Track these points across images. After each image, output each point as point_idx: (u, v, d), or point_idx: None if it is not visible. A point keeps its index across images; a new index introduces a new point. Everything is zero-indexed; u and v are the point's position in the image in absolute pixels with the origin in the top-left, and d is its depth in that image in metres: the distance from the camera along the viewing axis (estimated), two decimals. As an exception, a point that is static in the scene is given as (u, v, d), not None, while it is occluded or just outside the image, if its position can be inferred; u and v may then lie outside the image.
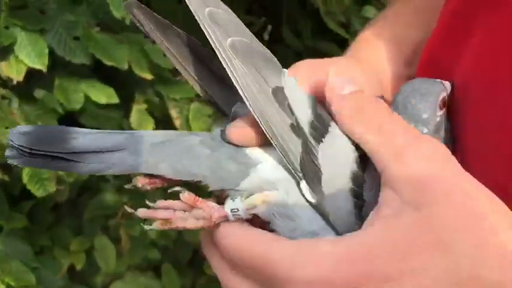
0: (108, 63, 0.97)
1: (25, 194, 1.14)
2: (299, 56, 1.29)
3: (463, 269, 0.34)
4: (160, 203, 0.40)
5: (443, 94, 0.44)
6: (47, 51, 0.95)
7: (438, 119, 0.43)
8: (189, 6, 0.40)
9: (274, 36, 1.33)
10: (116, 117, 1.09)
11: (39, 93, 1.07)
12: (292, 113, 0.39)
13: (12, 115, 1.01)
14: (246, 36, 0.40)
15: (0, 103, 1.03)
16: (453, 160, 0.37)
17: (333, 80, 0.41)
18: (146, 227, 0.41)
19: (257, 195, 0.39)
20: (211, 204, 0.39)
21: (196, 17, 0.39)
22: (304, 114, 0.39)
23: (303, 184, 0.38)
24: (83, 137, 0.40)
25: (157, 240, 1.26)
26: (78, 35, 0.98)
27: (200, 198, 0.39)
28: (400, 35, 0.54)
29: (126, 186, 0.42)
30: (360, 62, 0.51)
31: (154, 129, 1.08)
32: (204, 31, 0.39)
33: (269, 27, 1.35)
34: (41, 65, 0.95)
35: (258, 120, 0.38)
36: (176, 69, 0.44)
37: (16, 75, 0.97)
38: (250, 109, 0.38)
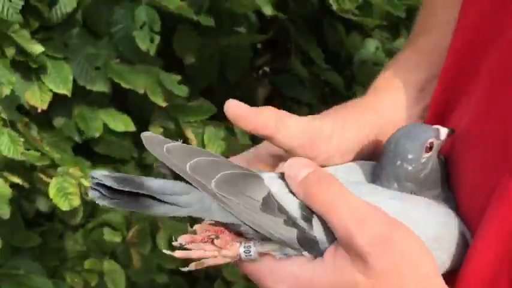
0: (126, 86, 1.04)
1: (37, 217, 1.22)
2: (305, 85, 1.37)
3: None
4: (193, 244, 0.47)
5: (431, 140, 0.50)
6: (71, 77, 1.03)
7: (423, 161, 0.50)
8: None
9: (282, 65, 1.40)
10: (130, 146, 1.16)
11: (58, 121, 1.14)
12: (283, 212, 0.46)
13: (36, 141, 1.08)
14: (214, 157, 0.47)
15: (24, 130, 1.09)
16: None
17: (289, 168, 0.48)
18: (183, 269, 0.47)
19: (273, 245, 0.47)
20: (231, 242, 0.47)
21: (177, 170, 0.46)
22: (293, 208, 0.47)
23: (305, 253, 0.47)
24: (152, 182, 0.45)
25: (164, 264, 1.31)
26: (99, 65, 1.05)
27: (230, 242, 0.47)
28: (410, 78, 0.59)
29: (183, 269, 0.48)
30: (368, 109, 0.57)
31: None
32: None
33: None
34: (66, 90, 1.03)
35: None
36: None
37: (41, 103, 1.04)
38: (250, 225, 0.46)
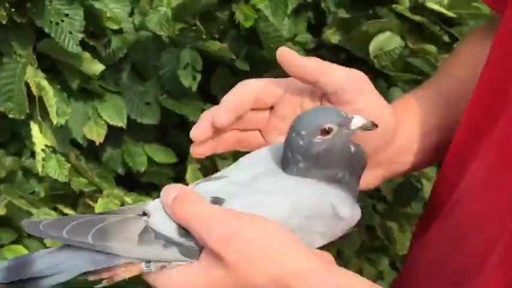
0: (179, 112, 1.17)
1: None
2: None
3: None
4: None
5: (329, 125, 0.53)
6: (125, 110, 1.14)
7: (316, 141, 0.53)
8: None
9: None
10: (170, 173, 1.26)
11: (106, 154, 1.24)
12: (161, 238, 0.53)
13: (85, 170, 1.17)
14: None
15: (74, 161, 1.19)
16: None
17: (163, 194, 0.55)
18: (96, 286, 0.54)
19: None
20: (139, 265, 0.54)
21: None
22: (170, 231, 0.54)
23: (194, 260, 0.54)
24: (38, 262, 0.52)
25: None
26: (149, 101, 1.17)
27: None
28: (420, 123, 0.66)
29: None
30: None
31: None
32: None
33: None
34: (121, 122, 1.14)
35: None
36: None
37: (97, 137, 1.15)
38: (135, 257, 0.53)
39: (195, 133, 0.59)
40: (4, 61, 1.08)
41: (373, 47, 1.19)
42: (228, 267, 0.51)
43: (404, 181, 1.36)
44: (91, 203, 1.17)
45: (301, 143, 0.54)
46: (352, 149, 0.55)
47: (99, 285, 0.54)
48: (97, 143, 1.16)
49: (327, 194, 0.54)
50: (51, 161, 1.06)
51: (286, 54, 0.58)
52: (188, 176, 1.22)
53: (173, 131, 1.28)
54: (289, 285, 0.51)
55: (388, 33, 1.16)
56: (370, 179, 0.64)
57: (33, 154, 1.15)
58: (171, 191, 0.54)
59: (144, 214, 0.55)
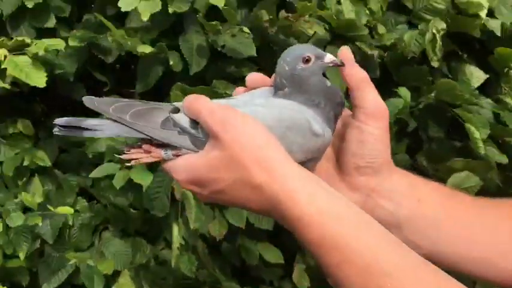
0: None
1: None
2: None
3: (246, 175, 0.62)
4: (132, 149, 0.69)
5: (308, 54, 0.67)
6: (245, 214, 1.35)
7: (299, 67, 0.67)
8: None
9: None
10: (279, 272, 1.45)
11: (225, 248, 1.45)
12: (177, 126, 0.67)
13: (209, 265, 1.38)
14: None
15: (201, 254, 1.41)
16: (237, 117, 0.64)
17: (184, 99, 0.68)
18: (127, 164, 0.70)
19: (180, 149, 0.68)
20: (156, 149, 0.68)
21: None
22: (184, 122, 0.68)
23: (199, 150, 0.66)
24: (89, 121, 0.68)
25: None
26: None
27: (152, 147, 0.69)
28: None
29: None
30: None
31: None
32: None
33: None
34: (241, 224, 1.35)
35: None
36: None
37: (218, 233, 1.37)
38: (157, 138, 0.67)
39: None
40: (158, 169, 1.32)
41: (450, 183, 1.31)
42: (223, 146, 0.63)
43: None
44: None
45: (286, 68, 0.68)
46: (328, 83, 0.69)
47: (128, 163, 0.70)
48: (217, 239, 1.38)
49: (304, 112, 0.67)
50: (183, 257, 1.28)
51: (346, 55, 0.70)
52: (294, 275, 1.40)
53: (284, 234, 1.46)
54: (270, 168, 0.62)
55: (466, 172, 1.30)
56: (349, 196, 0.69)
57: (167, 244, 1.38)
58: (191, 95, 0.68)
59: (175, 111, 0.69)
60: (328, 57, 0.68)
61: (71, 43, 1.29)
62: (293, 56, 0.68)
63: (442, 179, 1.29)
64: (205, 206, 1.35)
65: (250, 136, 0.63)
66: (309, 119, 0.67)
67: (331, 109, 0.68)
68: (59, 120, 0.68)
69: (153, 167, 1.29)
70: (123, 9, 1.22)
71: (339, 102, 0.69)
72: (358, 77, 0.69)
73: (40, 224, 1.29)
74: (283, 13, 1.22)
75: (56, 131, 0.68)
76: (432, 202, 0.71)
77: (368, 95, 0.69)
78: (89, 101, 0.68)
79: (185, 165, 0.66)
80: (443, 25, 1.37)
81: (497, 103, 1.43)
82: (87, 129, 0.68)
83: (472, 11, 1.40)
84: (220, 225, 1.37)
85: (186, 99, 0.68)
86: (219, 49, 1.28)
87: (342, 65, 0.69)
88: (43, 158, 1.34)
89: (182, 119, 0.68)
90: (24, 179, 1.38)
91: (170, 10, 1.23)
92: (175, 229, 1.27)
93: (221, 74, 1.33)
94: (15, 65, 1.22)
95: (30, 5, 1.28)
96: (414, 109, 1.41)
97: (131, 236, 1.41)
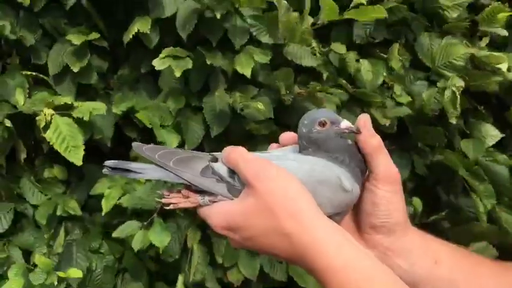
0: None
1: None
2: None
3: (277, 224, 0.65)
4: (171, 194, 0.74)
5: (323, 119, 0.72)
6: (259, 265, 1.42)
7: (315, 130, 0.72)
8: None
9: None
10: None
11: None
12: (216, 174, 0.72)
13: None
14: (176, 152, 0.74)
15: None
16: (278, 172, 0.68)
17: (223, 150, 0.73)
18: (166, 207, 0.74)
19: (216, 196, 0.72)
20: (194, 195, 0.73)
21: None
22: (222, 171, 0.72)
23: (235, 198, 0.71)
24: (135, 165, 0.74)
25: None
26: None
27: (190, 193, 0.73)
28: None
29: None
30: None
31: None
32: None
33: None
34: (252, 276, 1.42)
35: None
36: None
37: (236, 280, 1.44)
38: (196, 184, 0.72)
39: None
40: (169, 220, 1.38)
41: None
42: (257, 196, 0.67)
43: None
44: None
45: (304, 130, 0.73)
46: (349, 142, 0.73)
47: (167, 207, 0.74)
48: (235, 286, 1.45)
49: (334, 168, 0.72)
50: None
51: (365, 122, 0.73)
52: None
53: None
54: (301, 219, 0.65)
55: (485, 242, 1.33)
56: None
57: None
58: (229, 147, 0.73)
59: (213, 160, 0.74)
60: (344, 124, 0.73)
61: (114, 110, 1.35)
62: (309, 119, 0.73)
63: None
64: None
65: (283, 188, 0.67)
66: (340, 175, 0.71)
67: (356, 165, 0.73)
68: (109, 162, 0.74)
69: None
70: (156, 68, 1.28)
71: (362, 159, 0.74)
72: (372, 144, 0.73)
73: (55, 283, 1.27)
74: (296, 89, 1.26)
75: (105, 171, 0.74)
76: (449, 264, 0.74)
77: (381, 162, 0.73)
78: (137, 146, 0.75)
79: (220, 211, 0.70)
80: (462, 82, 1.38)
81: (513, 159, 1.44)
82: (132, 171, 0.74)
83: (492, 64, 1.40)
84: (238, 272, 1.44)
85: (225, 150, 0.73)
86: (238, 111, 1.32)
87: (358, 132, 0.73)
88: (74, 208, 1.40)
89: (221, 168, 0.73)
90: (52, 230, 1.42)
91: (208, 62, 1.28)
92: (179, 281, 1.34)
93: (241, 131, 1.38)
94: (56, 128, 1.25)
95: (75, 69, 1.33)
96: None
97: (148, 276, 1.45)
